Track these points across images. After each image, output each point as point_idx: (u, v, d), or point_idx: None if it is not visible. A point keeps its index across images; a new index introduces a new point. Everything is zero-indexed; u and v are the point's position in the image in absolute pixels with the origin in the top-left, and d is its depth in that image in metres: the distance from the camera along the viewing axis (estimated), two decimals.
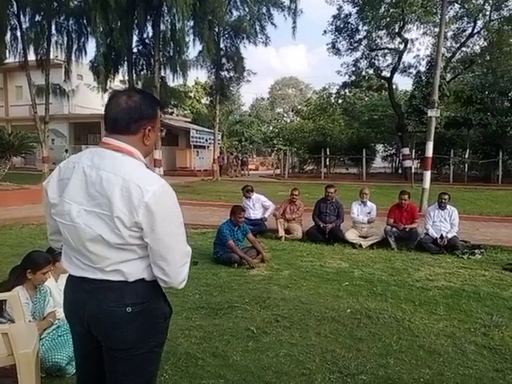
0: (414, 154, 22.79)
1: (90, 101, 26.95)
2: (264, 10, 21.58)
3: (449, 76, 24.43)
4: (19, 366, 2.28)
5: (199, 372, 3.03)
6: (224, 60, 22.38)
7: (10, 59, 20.06)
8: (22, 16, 17.97)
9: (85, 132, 28.53)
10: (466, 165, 22.90)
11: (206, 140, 27.43)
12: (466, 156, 23.01)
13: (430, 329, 3.84)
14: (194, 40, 19.32)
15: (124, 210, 1.48)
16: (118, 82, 23.52)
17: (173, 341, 3.47)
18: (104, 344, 1.64)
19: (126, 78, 21.57)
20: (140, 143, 1.64)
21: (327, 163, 26.49)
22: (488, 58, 24.75)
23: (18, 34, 18.33)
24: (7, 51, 19.21)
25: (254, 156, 45.99)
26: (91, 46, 27.94)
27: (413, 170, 20.96)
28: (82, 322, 1.64)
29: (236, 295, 4.64)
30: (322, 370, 3.09)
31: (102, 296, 1.57)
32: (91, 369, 1.74)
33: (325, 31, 25.84)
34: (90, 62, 21.38)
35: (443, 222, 7.15)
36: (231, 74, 22.92)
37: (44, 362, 2.81)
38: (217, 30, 20.80)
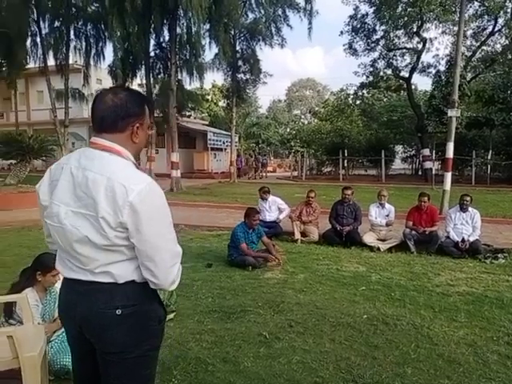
0: (434, 155, 22.35)
1: None
2: (280, 12, 21.51)
3: (469, 75, 23.89)
4: (24, 369, 2.25)
5: (209, 378, 2.95)
6: (240, 62, 22.38)
7: (31, 64, 20.51)
8: (41, 22, 18.34)
9: None
10: (489, 166, 22.31)
11: (224, 142, 27.50)
12: (489, 157, 22.43)
13: (449, 337, 3.69)
14: (210, 43, 19.45)
15: (108, 210, 1.45)
16: (135, 85, 23.81)
17: (183, 345, 3.43)
18: (96, 347, 1.61)
19: (144, 81, 21.83)
20: (128, 141, 1.60)
21: (345, 165, 26.21)
22: (510, 56, 24.11)
23: (38, 39, 18.75)
24: (28, 57, 19.65)
25: (272, 158, 45.93)
26: (109, 51, 28.43)
27: (433, 172, 20.53)
28: (75, 323, 1.62)
29: (249, 299, 4.56)
30: (336, 379, 2.98)
31: (92, 298, 1.55)
32: (86, 372, 1.72)
33: (341, 32, 25.59)
34: (109, 66, 21.75)
35: (465, 225, 6.93)
36: (247, 76, 22.91)
37: (52, 365, 2.79)
38: (232, 32, 20.80)
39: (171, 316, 3.94)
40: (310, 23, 20.52)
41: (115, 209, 1.45)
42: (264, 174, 29.19)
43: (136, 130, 1.60)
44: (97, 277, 1.54)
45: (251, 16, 21.76)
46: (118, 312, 1.53)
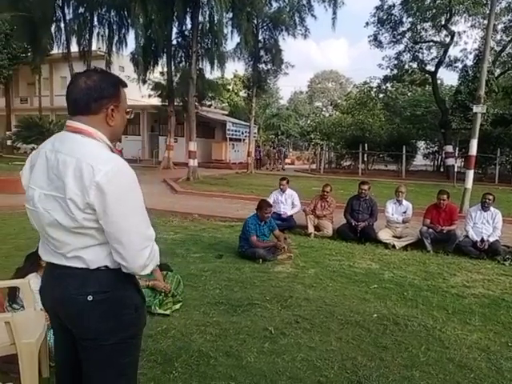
0: (457, 151, 21.81)
1: (130, 92, 27.31)
2: (304, 1, 21.15)
3: (498, 71, 23.14)
4: (21, 355, 2.24)
5: (210, 372, 2.91)
6: (262, 52, 22.16)
7: (55, 50, 20.75)
8: (65, 8, 18.48)
9: None
10: None
11: (242, 133, 27.39)
12: None
13: (462, 340, 3.55)
14: (232, 32, 19.27)
15: (76, 190, 1.43)
16: (157, 73, 23.87)
17: (187, 336, 3.39)
18: (73, 333, 1.61)
19: (165, 69, 21.87)
20: (103, 123, 1.58)
21: (365, 159, 25.83)
22: None
23: (62, 25, 18.91)
24: (52, 42, 19.88)
25: (290, 150, 45.63)
26: (132, 38, 28.43)
27: (455, 169, 20.03)
28: (52, 308, 1.65)
29: (257, 292, 4.49)
30: (341, 379, 2.89)
31: (65, 283, 1.55)
32: (68, 361, 1.71)
33: (367, 23, 25.01)
34: (131, 53, 21.80)
35: (485, 225, 6.71)
36: (269, 66, 22.68)
37: (53, 351, 2.77)
38: (255, 21, 20.59)
39: (177, 306, 3.92)
40: (334, 13, 20.13)
41: (82, 189, 1.43)
42: (281, 166, 29.07)
43: (111, 113, 1.58)
44: (69, 261, 1.53)
45: (275, 5, 21.53)
46: (90, 298, 1.51)
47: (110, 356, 1.58)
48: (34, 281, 2.92)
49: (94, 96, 1.54)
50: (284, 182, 8.18)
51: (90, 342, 1.57)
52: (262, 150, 29.99)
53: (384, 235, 7.17)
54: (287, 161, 33.42)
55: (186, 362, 2.99)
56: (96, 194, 1.42)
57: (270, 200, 7.61)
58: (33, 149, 15.01)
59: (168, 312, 3.78)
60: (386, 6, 24.03)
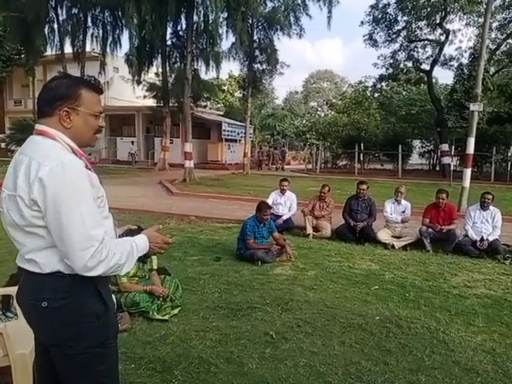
0: (453, 150, 21.83)
1: (125, 93, 27.32)
2: (299, 1, 21.07)
3: (493, 69, 23.17)
4: (15, 367, 2.15)
5: (211, 379, 2.82)
6: (257, 52, 22.08)
7: (48, 52, 20.58)
8: (59, 8, 18.32)
9: (120, 124, 28.99)
10: (509, 163, 21.70)
11: (238, 133, 27.30)
12: (509, 154, 21.81)
13: (466, 342, 3.48)
14: (227, 32, 19.25)
15: (24, 187, 1.45)
16: (152, 74, 23.75)
17: (186, 342, 3.31)
18: (40, 339, 1.62)
19: (160, 70, 21.76)
20: (59, 126, 1.57)
21: (361, 158, 25.81)
22: None
23: (55, 26, 18.76)
24: (45, 44, 19.70)
25: (287, 150, 45.57)
26: (126, 39, 28.32)
27: (451, 168, 20.05)
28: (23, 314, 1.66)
29: (257, 295, 4.41)
30: None
31: (26, 288, 1.57)
32: (46, 369, 1.69)
33: (362, 22, 24.99)
34: (126, 54, 21.68)
35: (484, 224, 6.67)
36: (264, 66, 22.59)
37: None
38: (250, 21, 20.50)
39: (176, 311, 3.84)
40: (329, 12, 20.05)
41: (28, 185, 1.44)
42: (280, 167, 29.26)
43: (63, 115, 1.56)
44: (27, 265, 1.53)
45: (270, 5, 21.46)
46: (44, 305, 1.50)
47: (79, 365, 1.55)
48: None
49: (48, 98, 1.57)
50: (285, 183, 8.07)
51: (56, 349, 1.56)
52: (263, 151, 30.74)
53: (383, 235, 7.11)
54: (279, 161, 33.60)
55: (186, 370, 2.90)
56: (39, 190, 1.42)
57: (269, 201, 7.54)
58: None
59: (166, 317, 3.70)
60: (380, 5, 24.05)
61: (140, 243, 1.64)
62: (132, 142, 26.82)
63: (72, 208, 1.44)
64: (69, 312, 1.51)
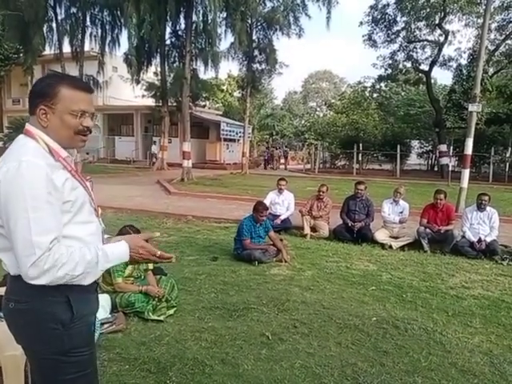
0: (451, 151, 21.84)
1: (124, 92, 27.30)
2: (298, 1, 21.04)
3: (491, 70, 23.18)
4: (5, 369, 2.11)
5: (206, 381, 2.80)
6: (256, 52, 22.03)
7: (47, 51, 20.52)
8: (57, 7, 18.25)
9: (118, 123, 28.97)
10: (507, 164, 21.71)
11: (237, 133, 27.28)
12: (507, 154, 21.83)
13: (463, 344, 3.47)
14: (226, 31, 19.18)
15: None
16: (151, 73, 23.71)
17: (181, 343, 3.28)
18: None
19: (159, 69, 21.73)
20: (37, 124, 1.53)
21: (360, 159, 25.81)
22: None
23: (54, 25, 18.69)
24: (44, 43, 19.62)
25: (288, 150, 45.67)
26: (125, 38, 28.31)
27: (450, 168, 20.06)
28: None
29: (253, 296, 4.39)
30: None
31: (5, 286, 1.58)
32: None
33: (361, 22, 25.03)
34: (124, 53, 21.64)
35: (482, 225, 6.65)
36: (263, 66, 22.56)
37: None
38: (249, 21, 20.46)
39: (171, 312, 3.81)
40: (328, 12, 19.97)
41: None
42: (283, 167, 29.82)
43: (39, 113, 1.51)
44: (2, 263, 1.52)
45: (269, 5, 21.41)
46: (11, 306, 1.49)
47: (46, 370, 1.53)
48: None
49: (30, 96, 1.54)
50: (283, 182, 8.05)
51: (26, 351, 1.57)
52: (269, 151, 31.31)
53: (381, 235, 7.10)
54: (282, 161, 33.61)
55: (181, 371, 2.88)
56: None
57: (267, 201, 7.52)
58: None
59: (162, 318, 3.67)
60: (380, 5, 24.06)
61: (116, 251, 1.55)
62: (154, 142, 25.87)
63: (19, 212, 1.38)
64: (32, 316, 1.48)
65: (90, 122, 1.58)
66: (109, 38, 20.31)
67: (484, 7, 12.70)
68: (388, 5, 23.78)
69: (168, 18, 18.75)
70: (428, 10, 22.38)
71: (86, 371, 1.58)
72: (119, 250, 1.56)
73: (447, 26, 23.87)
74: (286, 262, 5.71)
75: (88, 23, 19.65)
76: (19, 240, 1.38)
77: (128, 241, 1.60)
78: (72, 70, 19.51)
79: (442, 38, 24.16)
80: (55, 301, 1.49)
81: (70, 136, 1.56)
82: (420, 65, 25.57)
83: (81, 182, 1.57)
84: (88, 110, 1.57)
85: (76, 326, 1.53)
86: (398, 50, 25.40)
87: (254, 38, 21.58)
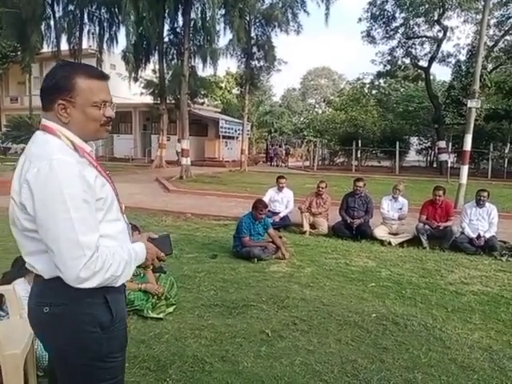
0: (450, 147, 21.84)
1: (122, 90, 27.22)
2: None
3: (490, 66, 23.14)
4: (5, 368, 2.11)
5: (205, 378, 2.80)
6: (255, 49, 22.00)
7: (45, 49, 20.48)
8: (55, 5, 18.20)
9: (116, 121, 28.87)
10: (506, 160, 21.72)
11: (235, 130, 27.24)
12: (506, 151, 21.83)
13: (463, 340, 3.47)
14: (224, 28, 19.17)
15: (16, 188, 1.38)
16: (149, 71, 23.65)
17: (181, 341, 3.28)
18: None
19: (157, 67, 21.67)
20: (57, 120, 1.43)
21: (358, 155, 25.80)
22: None
23: (52, 23, 18.63)
24: (42, 41, 19.59)
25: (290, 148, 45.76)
26: (123, 36, 28.19)
27: (449, 164, 20.05)
28: None
29: (253, 293, 4.39)
30: (341, 383, 2.80)
31: (32, 291, 1.49)
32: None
33: (359, 19, 24.95)
34: (122, 51, 21.58)
35: (481, 221, 6.66)
36: (262, 63, 22.54)
37: (40, 361, 2.65)
38: (248, 18, 20.41)
39: (170, 310, 3.81)
40: (327, 9, 19.95)
41: (19, 187, 1.36)
42: (285, 164, 30.22)
43: (57, 108, 1.41)
44: (29, 266, 1.44)
45: (267, 1, 21.38)
46: (46, 310, 1.40)
47: (78, 377, 1.44)
48: (21, 286, 2.80)
49: (44, 90, 1.44)
50: (282, 180, 8.04)
51: (56, 360, 1.47)
52: (275, 148, 31.86)
53: (380, 232, 7.10)
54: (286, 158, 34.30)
55: (181, 369, 2.88)
56: (26, 194, 1.32)
57: (266, 198, 7.51)
58: (23, 149, 14.79)
59: (161, 316, 3.67)
60: (378, 2, 23.95)
61: (139, 252, 1.51)
62: (178, 140, 25.87)
63: (60, 213, 1.30)
64: (70, 320, 1.40)
65: (111, 112, 1.50)
66: (107, 36, 20.29)
67: (483, 3, 12.66)
68: (386, 1, 23.69)
69: (166, 15, 18.70)
70: (427, 6, 22.31)
71: (117, 378, 1.53)
72: (141, 252, 1.53)
73: (446, 22, 23.83)
74: (285, 258, 5.71)
75: (86, 21, 19.65)
76: (63, 242, 1.30)
77: (144, 241, 1.57)
78: None
79: (440, 34, 24.11)
80: (94, 302, 1.42)
81: (96, 128, 1.49)
82: (419, 61, 25.54)
83: (107, 179, 1.50)
84: (108, 99, 1.49)
85: (115, 328, 1.48)
86: (397, 47, 25.36)
87: (253, 34, 21.56)
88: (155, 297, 3.75)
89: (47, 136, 1.41)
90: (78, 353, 1.42)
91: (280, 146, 33.49)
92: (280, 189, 7.99)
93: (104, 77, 1.51)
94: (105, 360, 1.46)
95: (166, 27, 20.02)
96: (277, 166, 29.75)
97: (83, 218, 1.33)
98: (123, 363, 1.58)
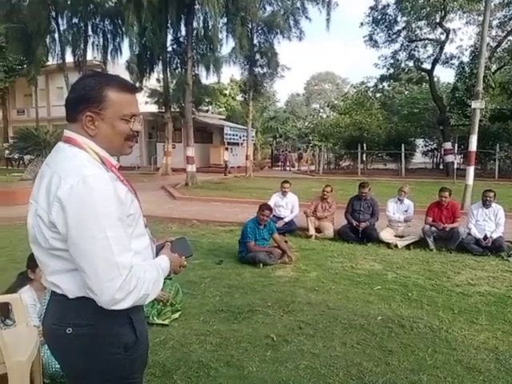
0: (456, 148, 21.71)
1: None
2: (298, 4, 21.12)
3: (494, 67, 23.06)
4: (11, 375, 2.13)
5: (210, 383, 2.81)
6: (257, 56, 22.10)
7: (50, 61, 20.77)
8: (59, 19, 18.48)
9: None
10: None
11: (240, 137, 27.32)
12: None
13: (469, 341, 3.45)
14: (227, 37, 19.32)
15: (44, 206, 1.29)
16: (153, 80, 23.86)
17: (186, 347, 3.30)
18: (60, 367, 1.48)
19: (161, 76, 21.87)
20: (84, 132, 1.37)
21: (364, 159, 25.73)
22: None
23: (56, 36, 18.89)
24: (47, 53, 19.89)
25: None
26: (127, 47, 28.48)
27: (455, 166, 19.94)
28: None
29: (258, 298, 4.40)
30: None
31: (50, 311, 1.40)
32: None
33: (361, 23, 25.02)
34: (126, 61, 21.81)
35: (487, 222, 6.62)
36: (265, 69, 22.63)
37: (47, 368, 2.68)
38: (250, 25, 20.53)
39: (176, 316, 3.83)
40: (328, 14, 20.08)
41: (48, 205, 1.28)
42: (292, 168, 31.34)
43: (85, 120, 1.36)
44: (52, 285, 1.36)
45: (269, 9, 21.51)
46: (69, 331, 1.33)
47: None
48: (28, 294, 2.84)
49: (71, 101, 1.39)
50: (286, 185, 8.04)
51: (73, 379, 1.42)
52: (285, 154, 33.06)
53: (386, 235, 7.08)
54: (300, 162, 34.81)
55: (186, 375, 2.89)
56: (58, 212, 1.25)
57: (271, 202, 7.52)
58: (30, 160, 14.96)
59: (167, 322, 3.69)
60: (380, 6, 24.05)
61: (165, 267, 1.46)
62: (226, 149, 25.69)
63: (96, 233, 1.24)
64: (94, 341, 1.34)
65: (138, 126, 1.45)
66: (111, 47, 20.53)
67: (484, 4, 12.64)
68: (388, 5, 23.79)
69: (169, 25, 18.92)
70: (428, 9, 22.31)
71: None
72: (166, 266, 1.48)
73: (448, 25, 23.82)
74: (291, 261, 5.72)
75: (90, 33, 19.90)
76: (100, 263, 1.24)
77: (167, 254, 1.53)
78: (75, 79, 19.60)
79: (443, 37, 24.09)
80: (119, 323, 1.37)
81: (121, 143, 1.43)
82: (422, 63, 25.50)
83: (134, 193, 1.46)
84: (137, 113, 1.44)
85: (138, 349, 1.43)
86: (400, 50, 25.36)
87: (255, 42, 21.67)
88: (161, 303, 3.77)
89: (74, 149, 1.35)
90: (100, 374, 1.38)
91: (290, 152, 34.55)
92: (284, 193, 8.00)
93: (135, 90, 1.47)
94: (125, 381, 1.43)
95: (169, 37, 20.24)
96: (288, 169, 31.20)
97: (119, 236, 1.28)
98: (141, 381, 1.54)
